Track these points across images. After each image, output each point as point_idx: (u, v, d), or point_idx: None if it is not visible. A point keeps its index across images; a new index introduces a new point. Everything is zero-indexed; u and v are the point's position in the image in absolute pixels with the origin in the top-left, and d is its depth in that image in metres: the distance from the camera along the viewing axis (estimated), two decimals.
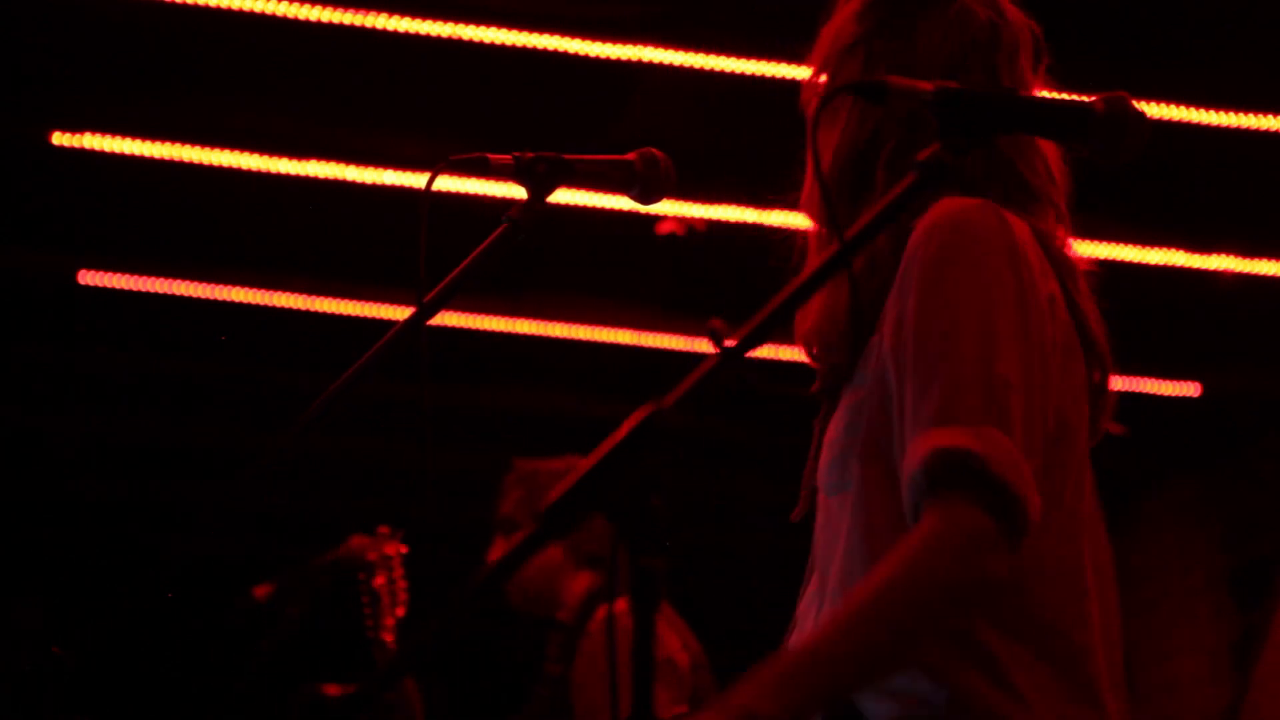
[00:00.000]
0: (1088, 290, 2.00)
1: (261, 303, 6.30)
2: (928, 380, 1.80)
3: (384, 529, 3.98)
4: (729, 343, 1.56)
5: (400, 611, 3.83)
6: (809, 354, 2.04)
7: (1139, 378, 6.79)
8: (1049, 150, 2.08)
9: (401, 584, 3.87)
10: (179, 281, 6.17)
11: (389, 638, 3.76)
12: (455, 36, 4.83)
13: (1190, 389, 6.97)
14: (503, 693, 3.83)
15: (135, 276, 6.15)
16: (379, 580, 3.82)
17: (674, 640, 3.69)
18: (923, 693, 1.82)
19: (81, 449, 7.73)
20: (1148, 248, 5.87)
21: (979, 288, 1.83)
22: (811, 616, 1.98)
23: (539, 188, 2.06)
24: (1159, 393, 6.90)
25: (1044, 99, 1.81)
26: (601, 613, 3.72)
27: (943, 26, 2.06)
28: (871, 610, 1.71)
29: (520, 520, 3.97)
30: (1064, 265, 1.98)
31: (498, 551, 4.00)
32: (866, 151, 2.04)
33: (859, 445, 1.90)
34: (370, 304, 6.31)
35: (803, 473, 2.07)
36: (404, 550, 3.92)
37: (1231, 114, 5.14)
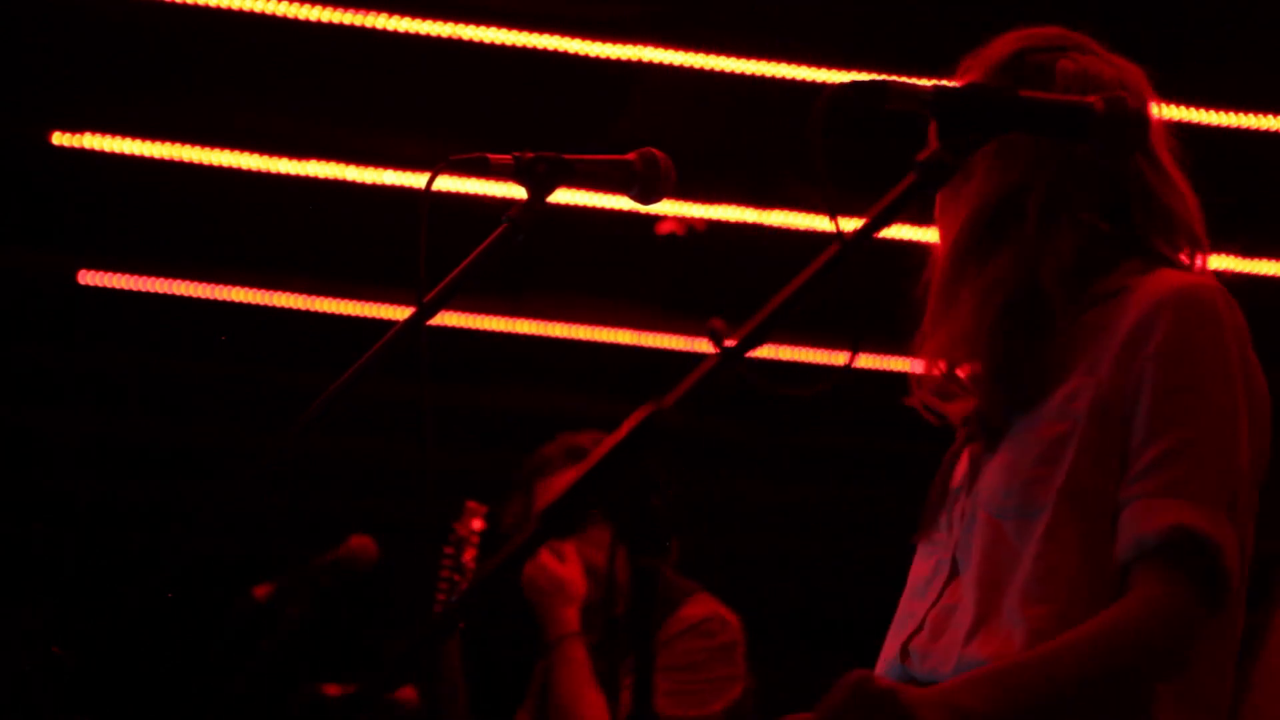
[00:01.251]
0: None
1: (261, 303, 6.30)
2: (1173, 450, 1.94)
3: (473, 504, 3.94)
4: (729, 343, 1.56)
5: (464, 585, 3.78)
6: (951, 372, 2.12)
7: None
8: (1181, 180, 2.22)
9: (473, 560, 3.83)
10: (179, 281, 6.17)
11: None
12: (455, 36, 4.83)
13: None
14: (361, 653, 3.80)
15: (135, 276, 6.14)
16: (467, 554, 3.80)
17: (730, 614, 3.70)
18: None
19: (81, 449, 7.73)
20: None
21: (1222, 372, 1.99)
22: (963, 628, 2.04)
23: (539, 188, 2.06)
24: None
25: (1044, 98, 1.81)
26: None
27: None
28: (1090, 651, 1.89)
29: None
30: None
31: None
32: (1017, 194, 2.10)
33: (1060, 481, 1.99)
34: (370, 304, 6.31)
35: (932, 487, 2.16)
36: (485, 528, 3.87)
37: (1231, 114, 5.13)
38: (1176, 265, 2.13)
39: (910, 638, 2.10)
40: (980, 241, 2.09)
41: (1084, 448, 1.98)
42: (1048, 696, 1.88)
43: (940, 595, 2.10)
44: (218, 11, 4.65)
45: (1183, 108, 5.09)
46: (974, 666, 1.98)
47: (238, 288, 6.25)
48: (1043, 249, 2.06)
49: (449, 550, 3.84)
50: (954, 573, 2.10)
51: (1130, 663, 1.90)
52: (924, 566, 2.16)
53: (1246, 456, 1.99)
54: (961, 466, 2.15)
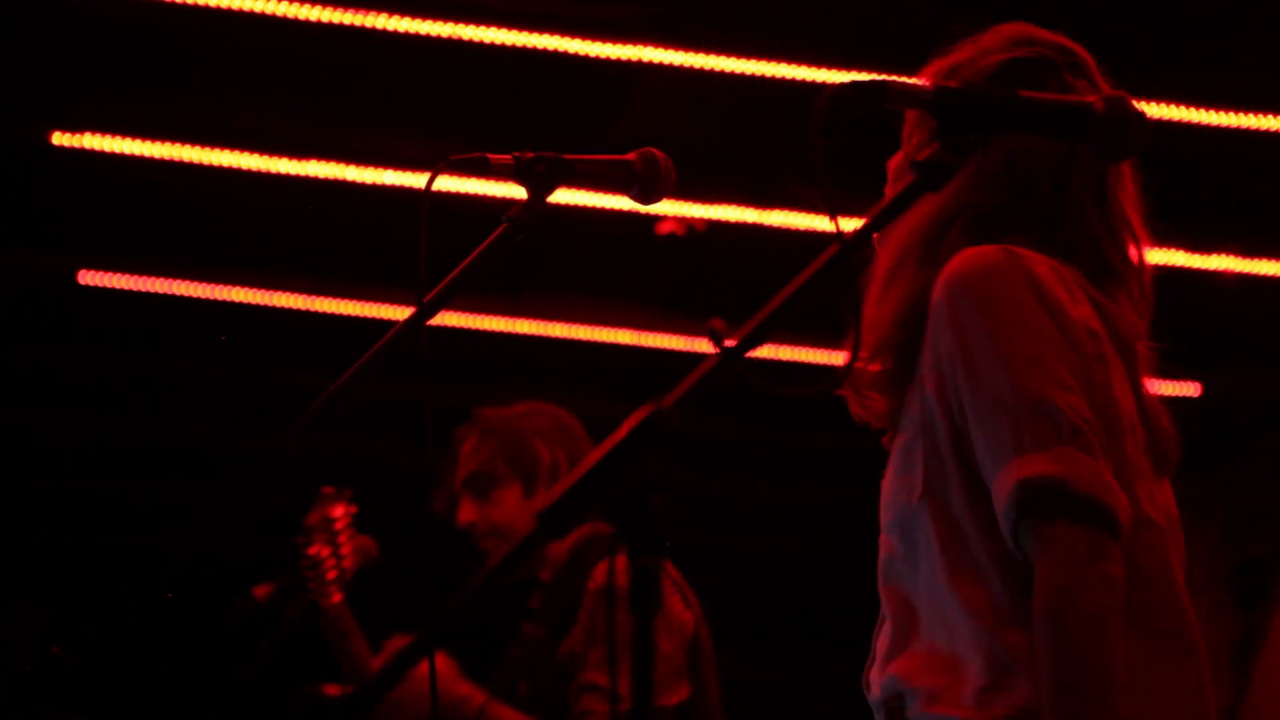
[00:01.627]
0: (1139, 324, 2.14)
1: (261, 303, 6.30)
2: (992, 419, 1.90)
3: (328, 489, 3.86)
4: (729, 343, 1.56)
5: (349, 575, 3.69)
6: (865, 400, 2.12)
7: None
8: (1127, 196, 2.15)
9: (346, 543, 3.72)
10: (179, 281, 6.17)
11: (334, 599, 3.64)
12: (455, 36, 4.83)
13: (1190, 389, 6.97)
14: (476, 655, 3.75)
15: (135, 276, 6.14)
16: (314, 547, 3.71)
17: (678, 603, 3.63)
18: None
19: (81, 449, 7.73)
20: (1148, 248, 5.86)
21: (1012, 321, 1.93)
22: (884, 648, 2.04)
23: (539, 188, 2.06)
24: (1159, 393, 6.88)
25: (1044, 99, 1.81)
26: (599, 570, 3.59)
27: None
28: (1055, 661, 1.84)
29: (499, 474, 3.82)
30: (1102, 305, 2.07)
31: (469, 513, 3.82)
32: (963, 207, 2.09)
33: (919, 488, 1.98)
34: (370, 304, 6.31)
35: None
36: (353, 510, 3.78)
37: (1231, 114, 5.13)
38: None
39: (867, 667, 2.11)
40: (923, 246, 2.08)
41: (929, 450, 1.97)
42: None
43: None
44: (218, 11, 4.65)
45: (1183, 108, 5.09)
46: (894, 683, 1.98)
47: (238, 288, 6.25)
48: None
49: (301, 541, 3.75)
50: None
51: (1077, 639, 1.84)
52: None
53: (1068, 374, 1.93)
54: None
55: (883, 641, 2.05)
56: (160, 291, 6.18)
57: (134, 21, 4.79)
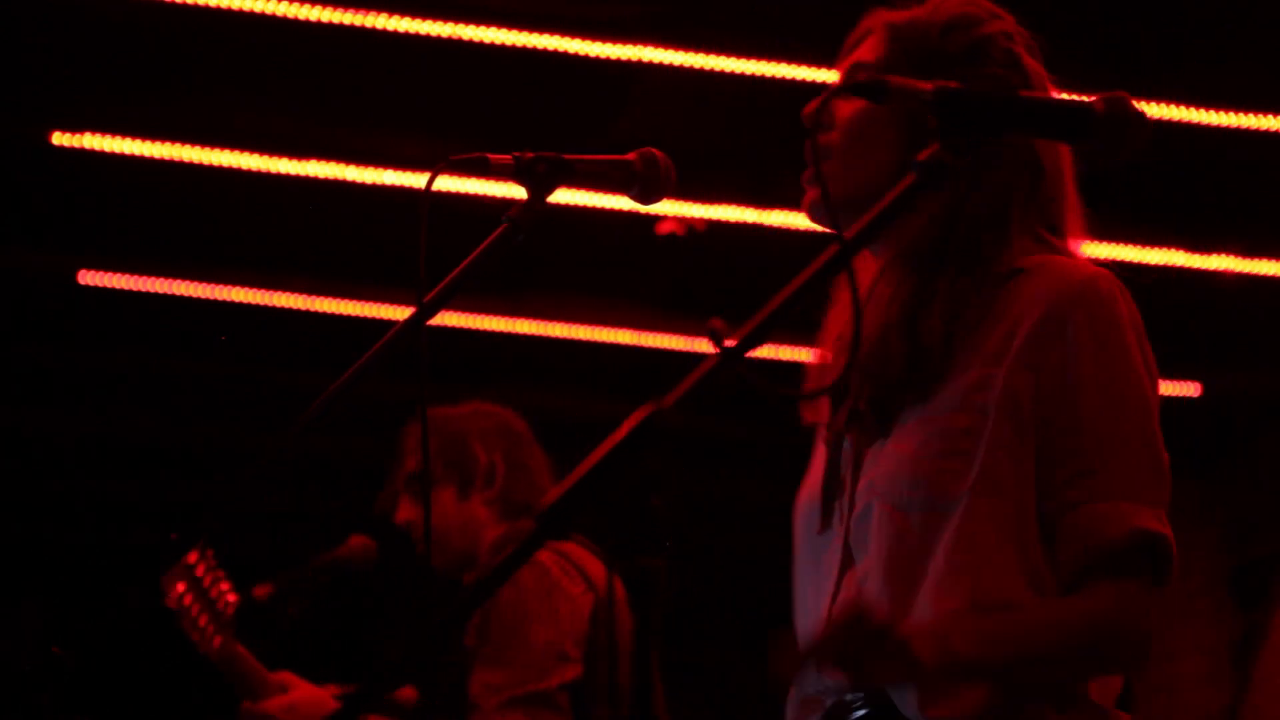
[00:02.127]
0: None
1: (261, 303, 6.30)
2: (1111, 453, 1.96)
3: (174, 535, 3.80)
4: (729, 343, 1.56)
5: (230, 612, 3.65)
6: (836, 365, 2.09)
7: None
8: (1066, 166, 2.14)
9: (220, 586, 3.67)
10: (179, 281, 6.17)
11: (216, 644, 3.60)
12: (455, 36, 4.83)
13: (1190, 389, 6.97)
14: (358, 654, 3.74)
15: (135, 276, 6.14)
16: (176, 592, 3.65)
17: (576, 585, 3.61)
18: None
19: (81, 449, 7.73)
20: (1148, 248, 5.87)
21: (1138, 370, 2.00)
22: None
23: (539, 188, 2.05)
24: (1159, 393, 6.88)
25: (1044, 99, 1.81)
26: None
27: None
28: (1072, 629, 1.95)
29: (434, 473, 3.77)
30: None
31: (407, 511, 3.80)
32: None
33: (973, 476, 1.96)
34: (370, 304, 6.31)
35: (824, 477, 2.10)
36: (210, 553, 3.72)
37: (1231, 114, 5.13)
38: (1062, 251, 2.11)
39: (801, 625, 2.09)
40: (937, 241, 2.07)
41: (996, 443, 1.96)
42: (1021, 660, 1.92)
43: (837, 588, 2.05)
44: (218, 11, 4.65)
45: (1183, 108, 5.09)
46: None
47: (238, 288, 6.25)
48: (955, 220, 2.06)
49: (164, 595, 3.70)
50: (846, 564, 2.05)
51: (1105, 651, 1.97)
52: (814, 556, 2.11)
53: (1165, 453, 2.02)
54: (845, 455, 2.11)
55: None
56: (160, 291, 6.18)
57: (134, 21, 4.79)
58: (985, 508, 1.96)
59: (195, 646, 3.58)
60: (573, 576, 3.58)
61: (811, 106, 2.08)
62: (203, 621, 3.59)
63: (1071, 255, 2.11)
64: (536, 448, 3.83)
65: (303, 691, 3.54)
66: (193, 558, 3.64)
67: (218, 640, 3.58)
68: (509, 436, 3.81)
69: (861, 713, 1.98)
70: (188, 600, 3.60)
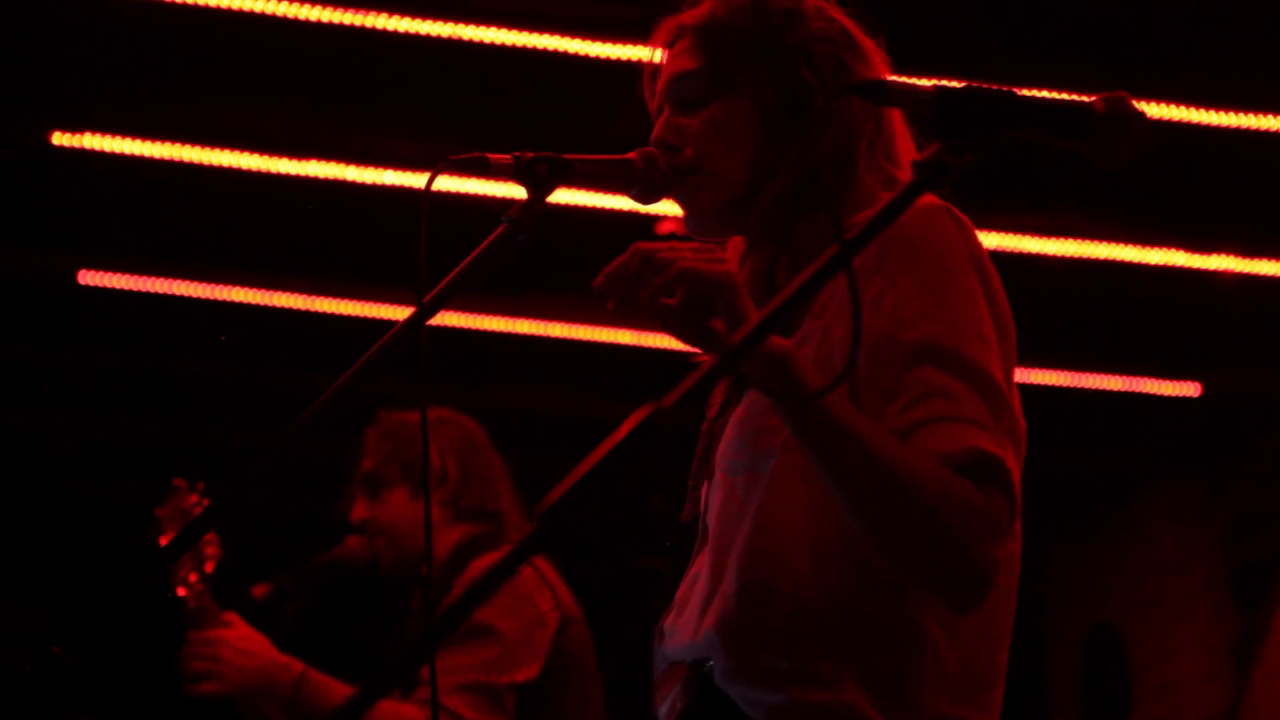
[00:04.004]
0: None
1: (261, 303, 6.31)
2: (943, 380, 1.84)
3: (179, 482, 3.83)
4: (729, 343, 1.56)
5: (209, 567, 3.68)
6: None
7: (1139, 378, 6.79)
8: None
9: (208, 538, 3.70)
10: (179, 281, 6.18)
11: (193, 594, 3.63)
12: (455, 36, 4.83)
13: (1190, 389, 6.98)
14: (357, 653, 3.76)
15: (135, 276, 6.15)
16: (165, 539, 3.68)
17: (546, 600, 3.64)
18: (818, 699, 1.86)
19: (81, 449, 7.74)
20: (1148, 248, 5.87)
21: (964, 293, 1.90)
22: (700, 597, 1.97)
23: (539, 188, 2.05)
24: (1159, 393, 6.90)
25: (1043, 99, 1.81)
26: (473, 567, 3.63)
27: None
28: (920, 464, 1.78)
29: (389, 476, 3.84)
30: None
31: (361, 510, 3.83)
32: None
33: (781, 431, 1.91)
34: (370, 304, 6.32)
35: (694, 465, 2.08)
36: (206, 503, 3.76)
37: (1231, 114, 5.14)
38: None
39: (665, 614, 2.03)
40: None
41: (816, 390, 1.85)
42: (872, 457, 1.77)
43: (691, 565, 2.03)
44: (218, 11, 4.66)
45: (1183, 108, 5.09)
46: (709, 641, 1.90)
47: (238, 288, 6.25)
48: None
49: (153, 533, 3.72)
50: (700, 541, 2.03)
51: (951, 524, 1.77)
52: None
53: (1003, 376, 1.88)
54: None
55: (700, 586, 1.98)
56: (160, 291, 6.18)
57: (134, 21, 4.79)
58: (795, 460, 1.90)
59: (171, 589, 3.60)
60: (540, 588, 3.63)
61: (815, 112, 2.08)
62: (188, 569, 3.62)
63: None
64: (494, 456, 3.89)
65: (250, 629, 3.58)
66: (190, 501, 3.67)
67: (197, 591, 3.60)
68: (465, 443, 3.86)
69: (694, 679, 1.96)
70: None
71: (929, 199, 1.94)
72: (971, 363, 1.86)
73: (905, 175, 2.07)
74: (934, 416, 1.83)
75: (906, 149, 2.12)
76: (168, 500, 3.79)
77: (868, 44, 2.14)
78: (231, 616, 3.61)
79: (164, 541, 3.63)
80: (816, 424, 1.78)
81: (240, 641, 3.55)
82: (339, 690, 3.54)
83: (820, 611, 1.88)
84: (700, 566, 2.00)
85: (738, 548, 1.92)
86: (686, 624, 1.98)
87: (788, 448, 1.91)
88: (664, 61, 2.18)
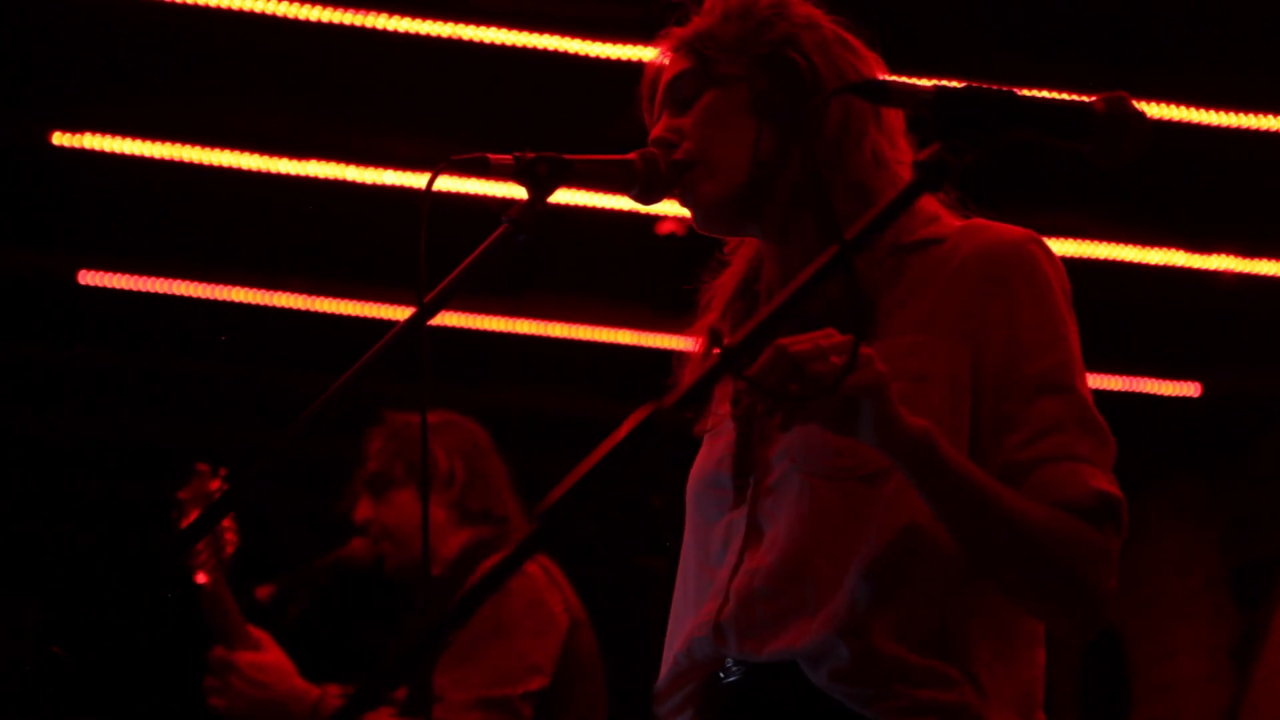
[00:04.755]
0: None
1: (261, 303, 6.31)
2: (1064, 416, 1.94)
3: (203, 466, 3.82)
4: (729, 342, 1.56)
5: (227, 552, 3.67)
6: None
7: (1139, 378, 6.79)
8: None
9: (225, 523, 3.69)
10: (179, 281, 6.18)
11: (207, 579, 3.61)
12: (455, 36, 4.83)
13: (1190, 389, 6.97)
14: (360, 654, 3.77)
15: (135, 276, 6.15)
16: (188, 520, 3.67)
17: (557, 604, 3.64)
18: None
19: (81, 449, 7.74)
20: (1148, 248, 5.87)
21: (1072, 332, 1.99)
22: (783, 602, 1.95)
23: (539, 188, 2.05)
24: (1159, 393, 6.90)
25: (1044, 99, 1.81)
26: (484, 569, 3.61)
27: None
28: (1039, 511, 1.87)
29: (394, 477, 3.85)
30: None
31: (365, 510, 3.84)
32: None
33: None
34: (370, 304, 6.32)
35: (735, 455, 2.06)
36: (226, 489, 3.75)
37: (1231, 114, 5.14)
38: (955, 209, 2.10)
39: (720, 611, 1.99)
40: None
41: (931, 410, 1.90)
42: (990, 504, 1.86)
43: (740, 561, 2.00)
44: (218, 11, 4.65)
45: (1183, 108, 5.09)
46: (827, 642, 1.91)
47: (238, 288, 6.25)
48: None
49: (175, 516, 3.70)
50: (752, 538, 2.01)
51: (1069, 563, 1.89)
52: (703, 544, 2.07)
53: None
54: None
55: (770, 596, 1.96)
56: (160, 291, 6.18)
57: (134, 21, 4.79)
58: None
59: (190, 572, 3.59)
60: (550, 592, 3.63)
61: (815, 112, 2.08)
62: (209, 553, 3.60)
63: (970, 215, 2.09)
64: (498, 460, 3.89)
65: (273, 655, 3.56)
66: (213, 485, 3.66)
67: (213, 574, 3.59)
68: (471, 446, 3.86)
69: (735, 679, 1.97)
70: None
71: (1024, 230, 2.03)
72: (1084, 399, 1.95)
73: (905, 174, 2.07)
74: (1056, 455, 1.92)
75: (907, 149, 2.12)
76: (190, 483, 3.77)
77: (859, 43, 2.15)
78: (261, 635, 3.59)
79: (185, 525, 3.61)
80: (940, 480, 1.85)
81: (255, 671, 3.54)
82: None
83: (946, 621, 1.93)
84: (760, 563, 1.98)
85: (863, 554, 1.93)
86: (774, 621, 1.95)
87: None
88: (662, 75, 2.18)
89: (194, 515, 3.65)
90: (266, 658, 3.55)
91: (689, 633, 2.02)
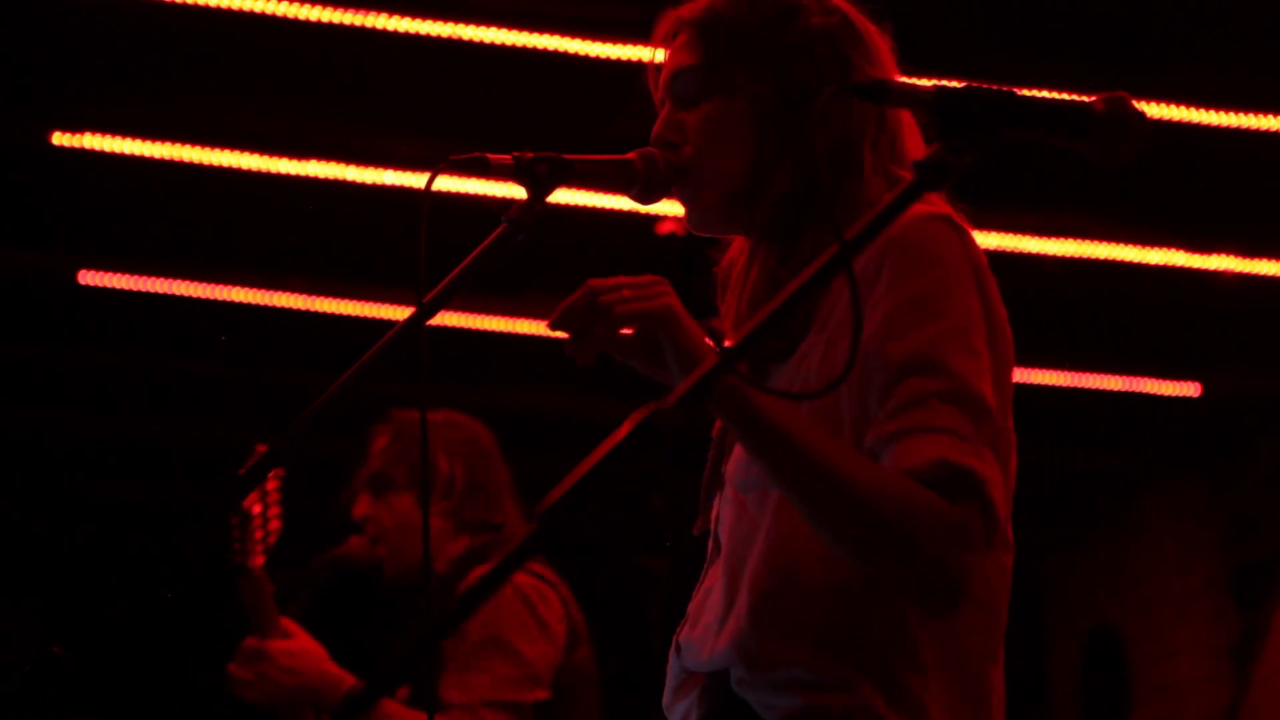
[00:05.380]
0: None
1: (261, 303, 6.31)
2: (925, 389, 1.83)
3: (263, 447, 3.82)
4: (729, 343, 1.56)
5: (272, 540, 3.68)
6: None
7: (1139, 378, 6.79)
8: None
9: (275, 511, 3.69)
10: (179, 281, 6.18)
11: (257, 562, 3.62)
12: (455, 36, 4.83)
13: (1190, 389, 6.98)
14: (358, 654, 3.77)
15: (135, 276, 6.15)
16: (248, 502, 3.67)
17: (555, 611, 3.64)
18: (827, 701, 1.87)
19: (81, 449, 7.74)
20: (1148, 248, 5.87)
21: (958, 303, 1.89)
22: (715, 611, 1.97)
23: (539, 188, 2.05)
24: (1159, 393, 6.90)
25: (1043, 99, 1.81)
26: (476, 572, 3.61)
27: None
28: (868, 472, 1.79)
29: (396, 478, 3.82)
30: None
31: (364, 507, 3.82)
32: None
33: None
34: (370, 304, 6.32)
35: (705, 477, 2.09)
36: (283, 474, 3.76)
37: (1231, 114, 5.14)
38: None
39: (680, 628, 2.04)
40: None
41: (813, 408, 1.88)
42: (819, 461, 1.78)
43: (703, 579, 2.05)
44: (218, 11, 4.66)
45: (1183, 108, 5.10)
46: (727, 656, 1.91)
47: (238, 288, 6.25)
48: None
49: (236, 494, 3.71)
50: (715, 555, 2.04)
51: (908, 533, 1.77)
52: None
53: (991, 391, 1.87)
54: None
55: (713, 603, 1.98)
56: (160, 291, 6.19)
57: (133, 21, 4.80)
58: None
59: (234, 555, 3.59)
60: (549, 603, 3.62)
61: (815, 112, 2.08)
62: (257, 536, 3.60)
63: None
64: (501, 465, 3.87)
65: (304, 641, 3.56)
66: (272, 476, 3.66)
67: (259, 560, 3.60)
68: (474, 451, 3.84)
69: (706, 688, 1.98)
70: (256, 509, 3.61)
71: (927, 207, 1.93)
72: (956, 374, 1.84)
73: (909, 175, 2.07)
74: (909, 428, 1.82)
75: (915, 147, 2.10)
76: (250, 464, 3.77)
77: (872, 36, 2.13)
78: (290, 624, 3.60)
79: (246, 505, 3.61)
80: (769, 442, 1.79)
81: (289, 659, 3.54)
82: (389, 709, 3.53)
83: (834, 622, 1.89)
84: (714, 580, 2.01)
85: (751, 564, 1.93)
86: (703, 638, 1.98)
87: None
88: (665, 58, 2.17)
89: (254, 497, 3.65)
90: (299, 644, 3.55)
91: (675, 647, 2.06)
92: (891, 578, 1.85)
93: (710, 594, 2.01)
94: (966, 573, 1.80)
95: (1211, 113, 5.13)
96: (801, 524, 1.87)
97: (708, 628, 1.98)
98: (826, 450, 1.79)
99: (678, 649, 2.04)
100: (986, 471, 1.81)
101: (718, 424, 2.11)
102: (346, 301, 6.32)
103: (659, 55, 2.20)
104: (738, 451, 2.00)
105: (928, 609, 1.86)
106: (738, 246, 2.19)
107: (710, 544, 2.06)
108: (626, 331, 1.90)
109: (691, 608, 2.04)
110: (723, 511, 2.04)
